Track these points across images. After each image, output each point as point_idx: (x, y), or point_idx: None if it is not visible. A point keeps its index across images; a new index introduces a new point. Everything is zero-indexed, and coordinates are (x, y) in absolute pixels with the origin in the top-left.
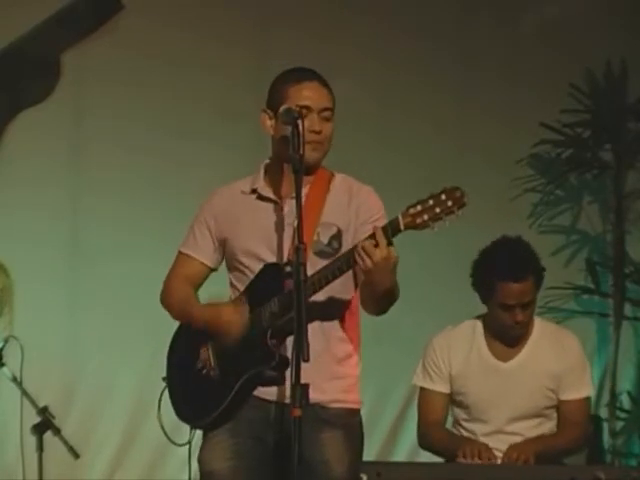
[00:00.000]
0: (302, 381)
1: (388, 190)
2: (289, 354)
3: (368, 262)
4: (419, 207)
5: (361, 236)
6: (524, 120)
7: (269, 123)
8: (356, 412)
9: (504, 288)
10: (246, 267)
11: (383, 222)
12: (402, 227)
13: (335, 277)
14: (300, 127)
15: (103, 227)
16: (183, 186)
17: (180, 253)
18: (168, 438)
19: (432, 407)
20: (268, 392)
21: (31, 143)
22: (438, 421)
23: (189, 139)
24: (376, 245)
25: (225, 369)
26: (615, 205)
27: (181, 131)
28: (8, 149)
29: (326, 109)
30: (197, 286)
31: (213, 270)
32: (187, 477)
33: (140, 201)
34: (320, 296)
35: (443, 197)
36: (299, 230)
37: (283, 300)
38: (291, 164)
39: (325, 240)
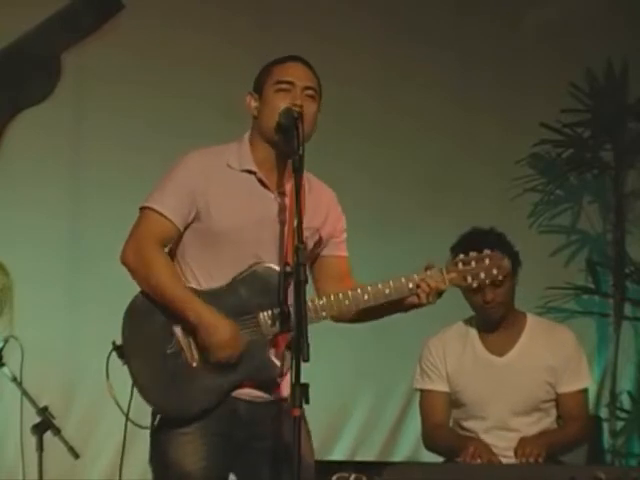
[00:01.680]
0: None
1: (388, 190)
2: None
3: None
4: (460, 266)
5: (330, 249)
6: (524, 120)
7: (254, 105)
8: None
9: None
10: (227, 253)
11: (345, 233)
12: (447, 283)
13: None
14: (300, 127)
15: (103, 227)
16: None
17: (151, 209)
18: (123, 414)
19: (434, 408)
20: (240, 392)
21: (31, 143)
22: (441, 422)
23: (189, 139)
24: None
25: (212, 368)
26: (615, 205)
27: (181, 131)
28: (8, 149)
29: (309, 87)
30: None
31: None
32: None
33: (140, 201)
34: None
35: (487, 263)
36: (299, 230)
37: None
38: (291, 160)
39: (311, 246)
